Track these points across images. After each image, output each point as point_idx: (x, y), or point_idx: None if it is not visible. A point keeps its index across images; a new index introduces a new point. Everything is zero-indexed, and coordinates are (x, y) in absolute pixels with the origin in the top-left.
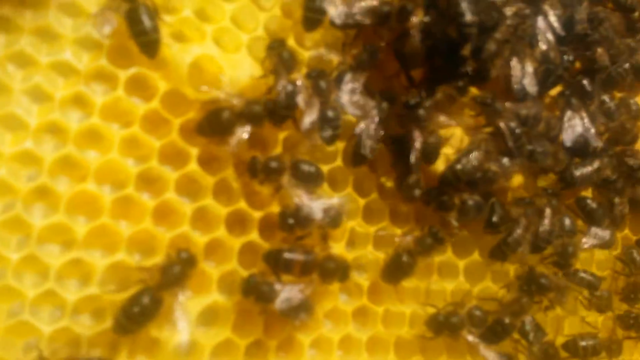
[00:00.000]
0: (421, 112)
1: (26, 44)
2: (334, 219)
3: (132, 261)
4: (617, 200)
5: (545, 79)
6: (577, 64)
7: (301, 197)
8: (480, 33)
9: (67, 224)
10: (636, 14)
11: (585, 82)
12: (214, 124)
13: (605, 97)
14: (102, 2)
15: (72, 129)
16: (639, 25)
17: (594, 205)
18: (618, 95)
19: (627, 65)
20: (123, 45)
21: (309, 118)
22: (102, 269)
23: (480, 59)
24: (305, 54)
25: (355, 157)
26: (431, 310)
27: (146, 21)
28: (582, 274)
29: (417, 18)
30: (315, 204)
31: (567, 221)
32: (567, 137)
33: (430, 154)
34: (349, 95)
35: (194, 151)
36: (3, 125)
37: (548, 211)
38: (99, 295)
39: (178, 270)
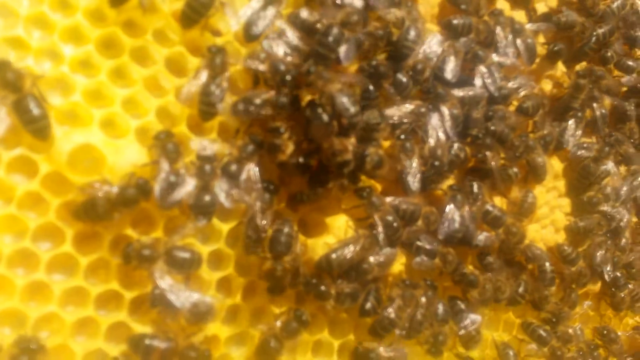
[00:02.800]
0: None
1: None
2: (199, 315)
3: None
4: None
5: (430, 175)
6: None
7: (169, 288)
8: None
9: None
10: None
11: (474, 183)
12: (90, 212)
13: (488, 207)
14: None
15: None
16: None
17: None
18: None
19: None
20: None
21: (175, 195)
22: None
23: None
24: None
25: (247, 241)
26: None
27: (34, 109)
28: None
29: (288, 149)
30: (182, 297)
31: (440, 309)
32: (442, 230)
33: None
34: (228, 185)
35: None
36: None
37: (422, 301)
38: None
39: None
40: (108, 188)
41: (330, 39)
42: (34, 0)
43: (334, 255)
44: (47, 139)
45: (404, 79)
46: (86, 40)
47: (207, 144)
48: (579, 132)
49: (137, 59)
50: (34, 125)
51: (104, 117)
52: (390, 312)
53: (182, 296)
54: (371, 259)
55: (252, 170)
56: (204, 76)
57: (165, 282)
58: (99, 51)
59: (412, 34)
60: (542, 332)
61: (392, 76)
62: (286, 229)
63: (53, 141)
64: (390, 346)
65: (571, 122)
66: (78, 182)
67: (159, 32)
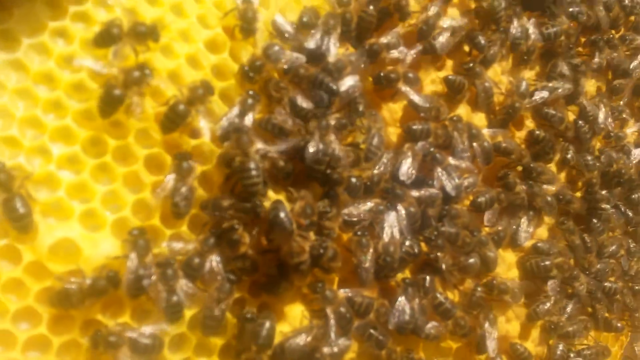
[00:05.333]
0: None
1: None
2: None
3: None
4: None
5: (382, 270)
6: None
7: None
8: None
9: None
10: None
11: (426, 278)
12: (64, 301)
13: (441, 298)
14: None
15: None
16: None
17: None
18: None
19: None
20: None
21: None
22: None
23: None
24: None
25: (205, 330)
26: None
27: (20, 209)
28: None
29: (246, 239)
30: None
31: None
32: (392, 320)
33: None
34: (187, 282)
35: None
36: None
37: None
38: None
39: None
40: (81, 280)
41: None
42: (29, 103)
43: (287, 344)
44: (30, 233)
45: (358, 183)
46: (74, 139)
47: (177, 245)
48: (531, 229)
49: (120, 156)
50: (19, 222)
51: (84, 211)
52: None
53: None
54: (325, 349)
55: (214, 261)
56: (171, 181)
57: None
58: (85, 149)
59: (376, 140)
60: None
61: (346, 182)
62: (268, 324)
63: (36, 234)
64: None
65: (524, 219)
66: (56, 270)
67: (142, 131)
